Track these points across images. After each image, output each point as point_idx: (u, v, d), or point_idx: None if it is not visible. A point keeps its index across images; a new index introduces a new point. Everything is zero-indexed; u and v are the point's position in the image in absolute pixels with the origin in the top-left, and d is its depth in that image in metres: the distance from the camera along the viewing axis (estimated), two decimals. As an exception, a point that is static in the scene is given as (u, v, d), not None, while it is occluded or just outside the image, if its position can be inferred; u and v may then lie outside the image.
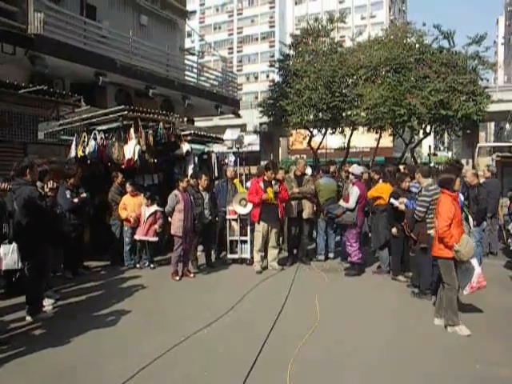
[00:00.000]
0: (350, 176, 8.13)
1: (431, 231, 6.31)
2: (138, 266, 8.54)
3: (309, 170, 9.81)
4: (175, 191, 7.78)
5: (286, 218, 8.78)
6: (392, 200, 7.32)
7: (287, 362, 4.32)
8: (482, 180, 9.54)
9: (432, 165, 26.45)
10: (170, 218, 7.87)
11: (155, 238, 8.57)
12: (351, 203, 7.80)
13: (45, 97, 8.92)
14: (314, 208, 8.89)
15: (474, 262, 5.36)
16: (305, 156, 36.20)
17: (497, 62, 24.77)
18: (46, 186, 6.02)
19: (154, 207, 8.57)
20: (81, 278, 7.71)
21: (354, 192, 7.85)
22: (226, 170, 9.79)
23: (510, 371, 4.23)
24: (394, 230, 7.22)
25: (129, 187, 8.56)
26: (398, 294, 6.84)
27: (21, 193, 5.28)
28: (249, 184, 9.51)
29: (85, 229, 8.23)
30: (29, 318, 5.55)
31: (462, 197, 7.20)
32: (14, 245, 5.63)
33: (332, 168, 9.50)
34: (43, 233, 5.47)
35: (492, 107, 22.94)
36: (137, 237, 8.48)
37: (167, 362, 4.41)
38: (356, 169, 8.30)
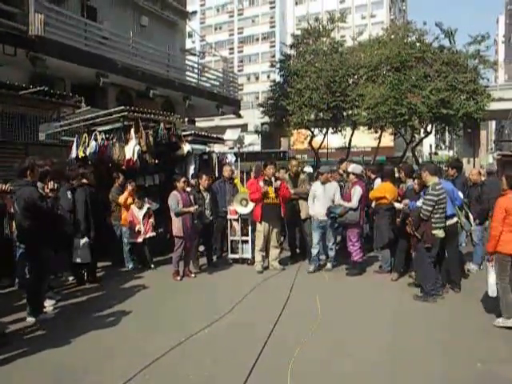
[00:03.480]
0: (351, 176, 8.12)
1: (436, 231, 6.30)
2: (139, 266, 8.54)
3: (309, 169, 9.81)
4: (174, 192, 7.78)
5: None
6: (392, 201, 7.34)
7: (288, 362, 4.32)
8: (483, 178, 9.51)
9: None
10: (174, 218, 7.83)
11: (153, 233, 8.63)
12: (354, 202, 7.79)
13: (45, 98, 8.93)
14: None
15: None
16: (306, 156, 36.20)
17: (497, 60, 24.73)
18: (46, 187, 6.03)
19: (146, 206, 8.60)
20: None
21: (357, 191, 7.84)
22: (224, 170, 9.77)
23: (508, 367, 4.23)
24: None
25: (130, 186, 8.54)
26: (400, 293, 6.83)
27: (21, 194, 5.29)
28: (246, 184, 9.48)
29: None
30: (30, 319, 5.56)
31: (461, 195, 7.19)
32: (86, 239, 7.07)
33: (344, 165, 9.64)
34: (44, 234, 5.48)
35: (493, 106, 22.91)
36: (138, 239, 8.48)
37: (168, 363, 4.41)
38: (357, 168, 8.29)
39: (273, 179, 8.26)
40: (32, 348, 4.75)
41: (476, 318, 5.60)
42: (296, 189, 8.72)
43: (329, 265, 8.32)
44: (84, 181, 7.62)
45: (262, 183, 8.18)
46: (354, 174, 8.06)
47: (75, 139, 9.19)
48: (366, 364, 4.38)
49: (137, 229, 8.45)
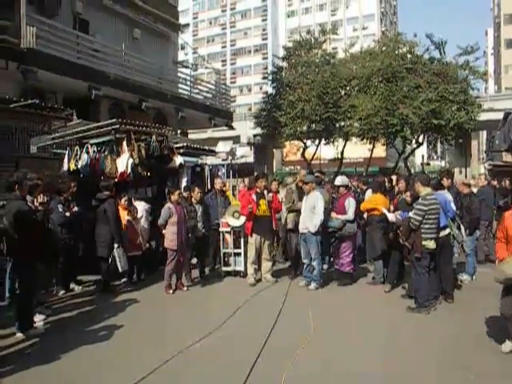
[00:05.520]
0: (341, 188, 8.14)
1: (426, 242, 6.28)
2: (132, 280, 8.45)
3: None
4: (168, 204, 7.76)
5: (280, 228, 8.82)
6: (385, 211, 7.34)
7: (280, 377, 4.27)
8: (475, 189, 9.55)
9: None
10: (163, 231, 7.82)
11: (148, 245, 8.66)
12: (350, 214, 7.83)
13: (37, 111, 8.88)
14: None
15: None
16: (299, 167, 36.23)
17: (487, 71, 25.02)
18: (36, 201, 5.98)
19: (143, 219, 8.59)
20: (73, 293, 7.68)
21: (352, 203, 7.90)
22: (215, 183, 9.74)
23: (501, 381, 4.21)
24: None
25: (123, 200, 8.48)
26: (393, 305, 6.81)
27: (10, 208, 5.23)
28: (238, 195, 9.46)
29: (78, 243, 8.13)
30: (19, 335, 5.47)
31: (453, 206, 7.20)
32: (122, 248, 7.52)
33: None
34: (34, 248, 5.42)
35: (483, 116, 23.13)
36: (138, 252, 8.41)
37: (159, 378, 4.36)
38: (344, 180, 8.32)
39: (265, 192, 8.27)
40: (23, 364, 4.67)
41: (469, 330, 5.58)
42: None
43: (312, 285, 7.78)
44: (107, 193, 7.74)
45: (254, 196, 8.17)
46: (343, 186, 8.09)
47: (67, 152, 9.16)
48: (359, 379, 4.34)
49: (138, 242, 8.39)
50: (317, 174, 9.76)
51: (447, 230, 6.81)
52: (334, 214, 7.88)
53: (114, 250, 7.53)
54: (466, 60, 22.24)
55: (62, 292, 7.60)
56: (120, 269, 7.59)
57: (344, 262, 7.94)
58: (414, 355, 4.88)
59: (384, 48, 23.46)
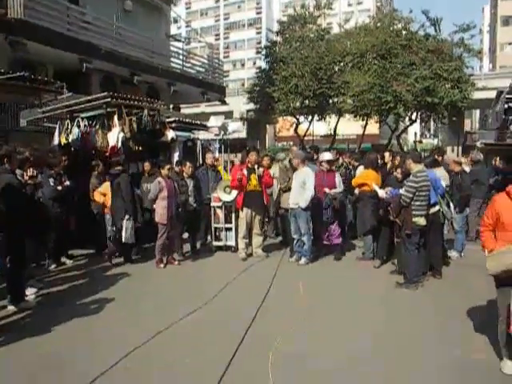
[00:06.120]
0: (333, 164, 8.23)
1: (416, 219, 6.33)
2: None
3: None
4: (159, 178, 7.74)
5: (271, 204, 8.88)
6: (375, 187, 7.38)
7: (269, 352, 4.32)
8: (467, 168, 9.57)
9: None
10: (157, 205, 7.81)
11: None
12: (342, 188, 8.16)
13: (26, 84, 8.72)
14: None
15: None
16: (291, 143, 36.17)
17: (482, 49, 24.84)
18: (25, 174, 5.95)
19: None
20: (64, 267, 7.71)
21: (340, 177, 8.22)
22: (206, 157, 9.70)
23: (482, 355, 4.30)
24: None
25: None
26: (381, 280, 6.90)
27: (-1, 181, 5.21)
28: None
29: (69, 217, 8.13)
30: (11, 308, 5.51)
31: (443, 183, 7.25)
32: (132, 222, 7.61)
33: None
34: (24, 221, 5.41)
35: (477, 94, 23.04)
36: None
37: (150, 351, 4.41)
38: (330, 155, 8.45)
39: (256, 167, 8.26)
40: (14, 336, 4.71)
41: (456, 305, 5.67)
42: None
43: (303, 260, 7.87)
44: (119, 168, 7.86)
45: (245, 171, 8.16)
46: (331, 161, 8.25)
47: (57, 126, 9.07)
48: (350, 355, 4.41)
49: None
50: (308, 150, 9.76)
51: (437, 207, 6.87)
52: (327, 190, 7.91)
53: (124, 221, 7.62)
54: (461, 37, 22.10)
55: (53, 266, 7.63)
56: (123, 239, 7.65)
57: (334, 233, 8.07)
58: (406, 329, 4.96)
59: (379, 24, 23.20)
